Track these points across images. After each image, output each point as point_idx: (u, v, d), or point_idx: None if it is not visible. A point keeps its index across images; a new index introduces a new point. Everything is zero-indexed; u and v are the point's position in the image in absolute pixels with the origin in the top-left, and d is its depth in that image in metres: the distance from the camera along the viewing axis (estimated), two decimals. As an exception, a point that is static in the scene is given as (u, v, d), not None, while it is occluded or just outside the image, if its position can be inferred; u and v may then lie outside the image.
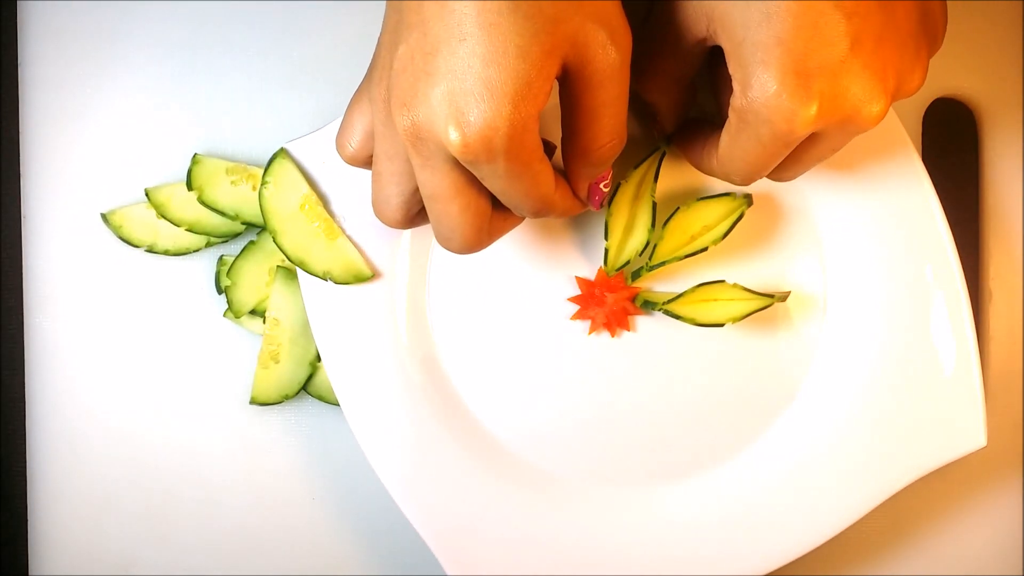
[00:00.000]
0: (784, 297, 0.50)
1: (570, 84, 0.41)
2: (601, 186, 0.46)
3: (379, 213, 0.45)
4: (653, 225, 0.50)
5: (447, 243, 0.43)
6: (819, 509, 0.50)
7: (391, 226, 0.45)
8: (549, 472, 0.52)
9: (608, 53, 0.40)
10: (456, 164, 0.40)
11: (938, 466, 0.50)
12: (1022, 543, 0.55)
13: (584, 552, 0.51)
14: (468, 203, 0.42)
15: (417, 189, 0.43)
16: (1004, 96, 0.54)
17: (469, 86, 0.38)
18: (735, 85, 0.40)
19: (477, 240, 0.43)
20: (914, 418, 0.50)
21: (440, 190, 0.41)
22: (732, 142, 0.42)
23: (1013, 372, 0.54)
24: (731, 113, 0.41)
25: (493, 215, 0.44)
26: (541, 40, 0.38)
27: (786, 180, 0.46)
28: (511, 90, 0.38)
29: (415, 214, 0.45)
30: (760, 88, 0.39)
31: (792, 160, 0.44)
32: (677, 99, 0.47)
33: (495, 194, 0.42)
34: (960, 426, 0.50)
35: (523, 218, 0.46)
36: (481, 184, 0.42)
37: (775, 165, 0.43)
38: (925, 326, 0.50)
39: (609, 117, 0.42)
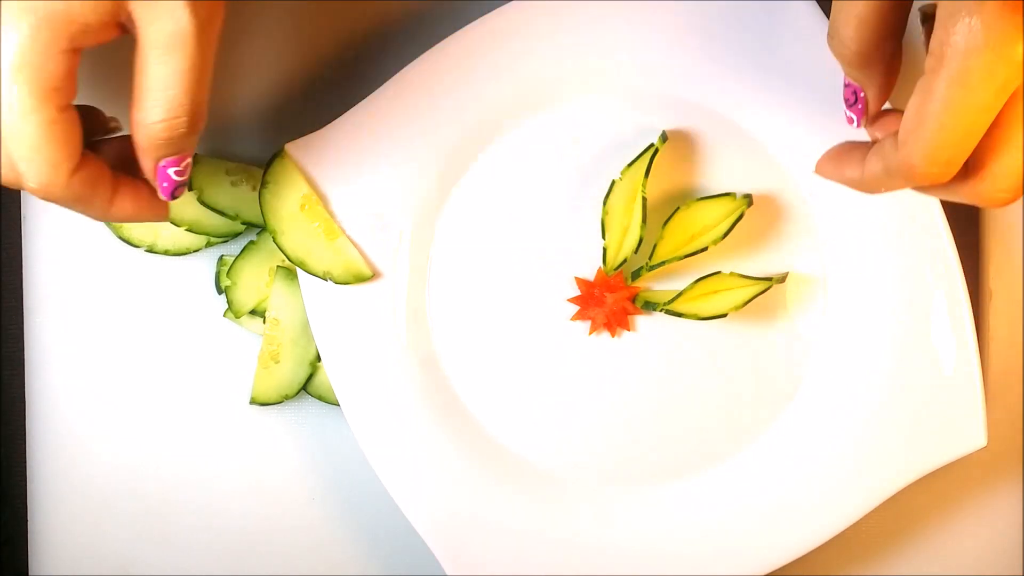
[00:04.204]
0: (782, 279, 0.51)
1: (136, 45, 0.38)
2: (171, 172, 0.41)
3: None
4: (644, 220, 0.49)
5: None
6: (819, 509, 0.50)
7: None
8: (549, 472, 0.52)
9: (172, 22, 0.36)
10: None
11: (938, 466, 0.50)
12: (1022, 543, 0.55)
13: (584, 552, 0.51)
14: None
15: None
16: (1004, 96, 0.54)
17: None
18: (937, 25, 0.35)
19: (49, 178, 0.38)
20: (914, 418, 0.50)
21: None
22: (925, 97, 0.35)
23: (1013, 372, 0.54)
24: (928, 60, 0.35)
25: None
26: None
27: (1007, 183, 0.37)
28: (45, 10, 0.35)
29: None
30: (966, 15, 0.33)
31: (1000, 140, 0.36)
32: (887, 67, 0.40)
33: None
34: (960, 426, 0.50)
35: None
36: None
37: (978, 131, 0.35)
38: (925, 326, 0.50)
39: (163, 91, 0.38)
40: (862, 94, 0.41)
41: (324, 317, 0.51)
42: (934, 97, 0.35)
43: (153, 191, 0.42)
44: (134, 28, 0.37)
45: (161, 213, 0.43)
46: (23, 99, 0.36)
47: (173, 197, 0.42)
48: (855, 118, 0.41)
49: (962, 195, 0.38)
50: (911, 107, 0.36)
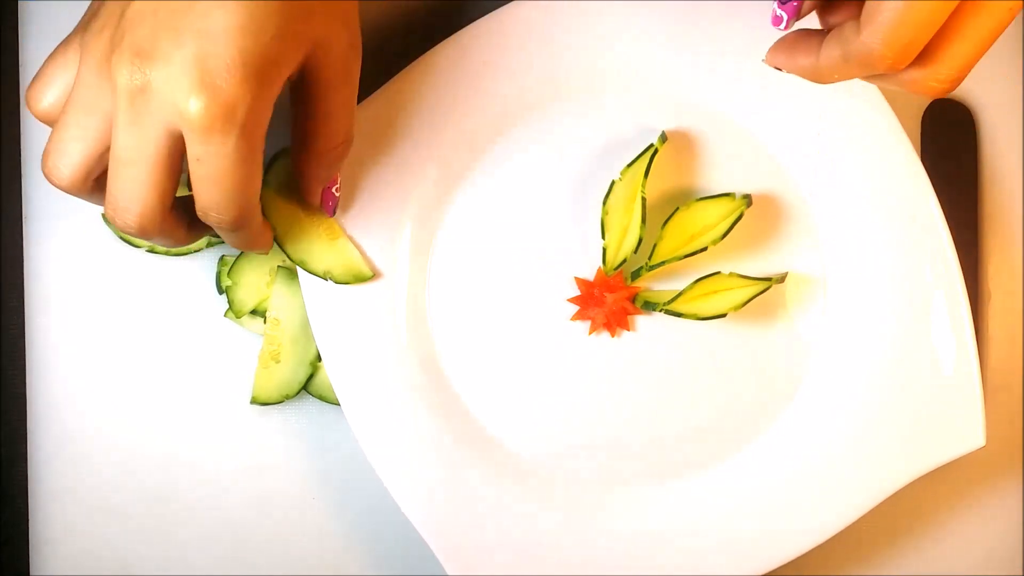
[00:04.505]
0: (782, 279, 0.51)
1: (309, 83, 0.41)
2: (333, 191, 0.48)
3: (50, 169, 0.41)
4: (644, 220, 0.50)
5: (122, 214, 0.40)
6: (819, 509, 0.50)
7: (60, 188, 0.41)
8: (549, 471, 0.52)
9: (348, 55, 0.41)
10: (170, 135, 0.38)
11: (938, 466, 0.50)
12: (1022, 543, 0.55)
13: (584, 551, 0.51)
14: (162, 178, 0.39)
15: (105, 152, 0.40)
16: (1003, 97, 0.54)
17: (222, 52, 0.37)
18: None
19: (153, 218, 0.40)
20: (914, 418, 0.50)
21: (140, 155, 0.39)
22: None
23: (1013, 372, 0.54)
24: None
25: (172, 212, 0.42)
26: (296, 29, 0.38)
27: (947, 73, 0.36)
28: (263, 68, 0.37)
29: (93, 181, 0.41)
30: None
31: (954, 30, 0.35)
32: None
33: (202, 183, 0.40)
34: (959, 426, 0.50)
35: (193, 235, 0.44)
36: (179, 170, 0.40)
37: (941, 15, 0.34)
38: (925, 326, 0.50)
39: (344, 118, 0.43)
40: None
41: (324, 317, 0.51)
42: None
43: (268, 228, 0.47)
44: (309, 70, 0.41)
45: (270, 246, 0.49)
46: (241, 149, 0.39)
47: (335, 213, 0.49)
48: (785, 17, 0.39)
49: (901, 82, 0.37)
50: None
